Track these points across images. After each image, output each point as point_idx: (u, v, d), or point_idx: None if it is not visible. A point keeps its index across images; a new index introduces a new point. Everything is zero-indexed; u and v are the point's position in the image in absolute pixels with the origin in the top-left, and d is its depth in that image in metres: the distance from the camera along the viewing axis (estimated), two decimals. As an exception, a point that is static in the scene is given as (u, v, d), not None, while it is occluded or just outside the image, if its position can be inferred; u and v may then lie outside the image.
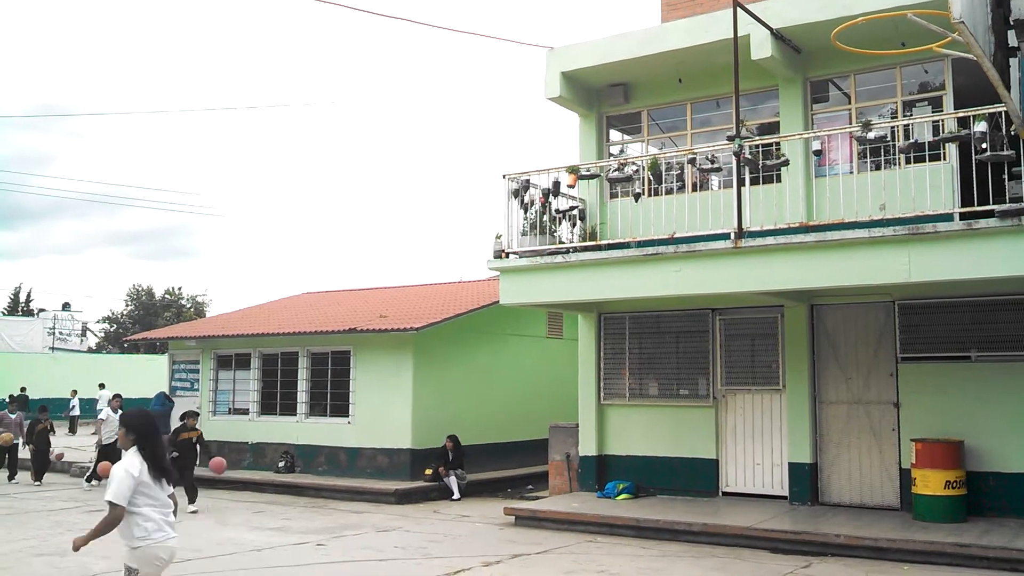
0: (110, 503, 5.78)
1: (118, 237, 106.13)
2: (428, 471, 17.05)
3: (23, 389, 32.84)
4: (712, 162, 12.65)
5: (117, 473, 5.87)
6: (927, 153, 11.70)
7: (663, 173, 13.31)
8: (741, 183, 11.89)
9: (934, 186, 11.51)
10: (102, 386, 32.92)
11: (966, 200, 11.46)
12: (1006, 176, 10.53)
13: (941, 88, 12.64)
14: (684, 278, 12.13)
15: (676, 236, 12.39)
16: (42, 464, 19.54)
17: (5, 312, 68.41)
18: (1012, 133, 10.04)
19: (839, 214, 11.70)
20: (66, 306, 65.84)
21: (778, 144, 12.39)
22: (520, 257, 13.57)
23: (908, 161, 12.13)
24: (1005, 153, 10.25)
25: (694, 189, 14.06)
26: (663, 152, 14.47)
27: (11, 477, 19.61)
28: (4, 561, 10.80)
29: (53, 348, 55.61)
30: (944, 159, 12.12)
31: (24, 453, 20.29)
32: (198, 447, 15.60)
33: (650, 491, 14.50)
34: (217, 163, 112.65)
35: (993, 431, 12.10)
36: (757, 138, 12.90)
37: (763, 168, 12.34)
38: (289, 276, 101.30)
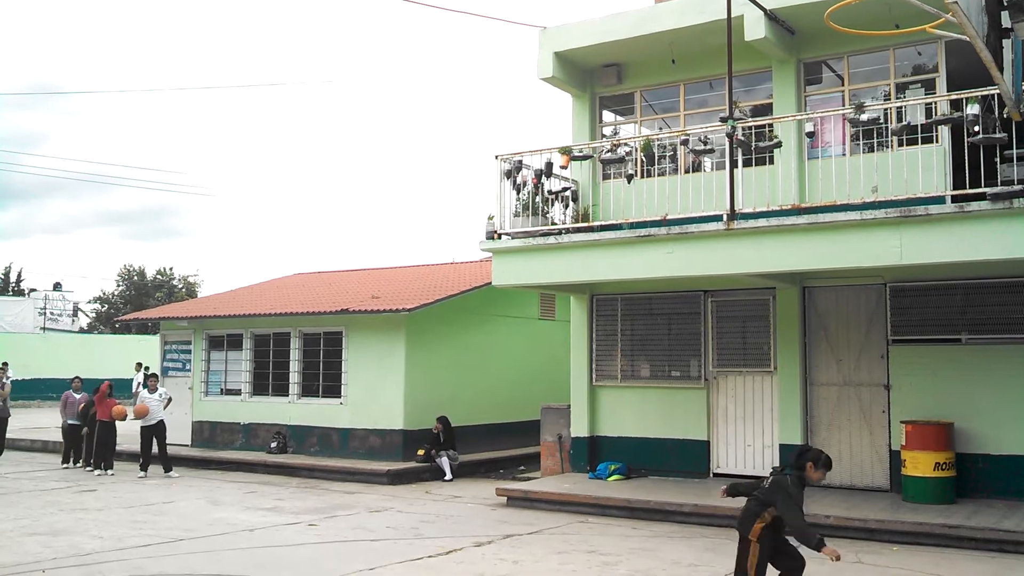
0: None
1: (110, 217, 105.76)
2: (420, 451, 17.08)
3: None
4: (705, 144, 12.61)
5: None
6: (919, 136, 11.70)
7: (656, 155, 13.30)
8: (734, 165, 11.87)
9: (926, 168, 11.51)
10: None
11: (958, 183, 11.46)
12: (998, 159, 10.51)
13: (934, 70, 12.62)
14: (676, 260, 12.12)
15: (668, 218, 12.38)
16: (93, 448, 18.04)
17: (-4, 292, 68.12)
18: (1005, 115, 10.02)
19: (831, 196, 11.69)
20: (57, 286, 65.63)
21: (771, 126, 12.37)
22: (512, 238, 13.54)
23: (901, 143, 12.14)
24: (997, 136, 10.25)
25: (687, 171, 14.04)
26: (656, 133, 14.43)
27: (75, 461, 18.76)
28: (-4, 541, 10.80)
29: (44, 328, 55.45)
30: (937, 142, 12.12)
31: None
32: None
33: (641, 472, 14.55)
34: (209, 142, 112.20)
35: (983, 413, 12.17)
36: (750, 120, 12.88)
37: (756, 150, 12.32)
38: (281, 257, 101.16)
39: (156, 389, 17.66)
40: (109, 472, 17.31)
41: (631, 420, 14.93)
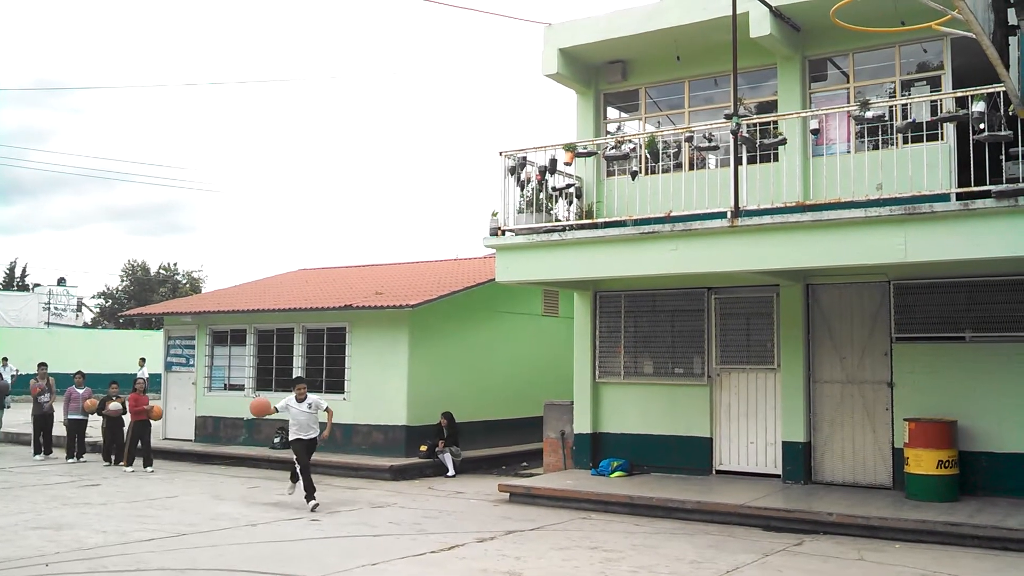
0: None
1: (114, 212, 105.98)
2: (423, 447, 17.10)
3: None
4: (709, 140, 12.60)
5: None
6: (925, 133, 11.66)
7: (660, 151, 13.27)
8: (738, 162, 11.85)
9: (931, 166, 11.48)
10: None
11: (963, 180, 11.43)
12: (1003, 157, 10.49)
13: (940, 68, 12.59)
14: (680, 257, 12.11)
15: (672, 215, 12.36)
16: (117, 444, 18.13)
17: (1, 287, 68.28)
18: (1010, 113, 10.00)
19: (836, 193, 11.67)
20: (62, 281, 65.82)
21: (775, 123, 12.35)
22: (516, 235, 13.53)
23: (905, 141, 12.10)
24: (1003, 133, 10.22)
25: (691, 167, 14.02)
26: (660, 130, 14.41)
27: (79, 455, 18.83)
28: (0, 535, 10.82)
29: (48, 323, 55.54)
30: (942, 139, 12.08)
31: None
32: None
33: (644, 469, 14.55)
34: (214, 138, 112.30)
35: (986, 411, 12.15)
36: (755, 116, 12.85)
37: (760, 147, 12.31)
38: (285, 252, 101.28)
39: (305, 397, 13.43)
40: (128, 468, 17.26)
41: (634, 417, 14.93)
